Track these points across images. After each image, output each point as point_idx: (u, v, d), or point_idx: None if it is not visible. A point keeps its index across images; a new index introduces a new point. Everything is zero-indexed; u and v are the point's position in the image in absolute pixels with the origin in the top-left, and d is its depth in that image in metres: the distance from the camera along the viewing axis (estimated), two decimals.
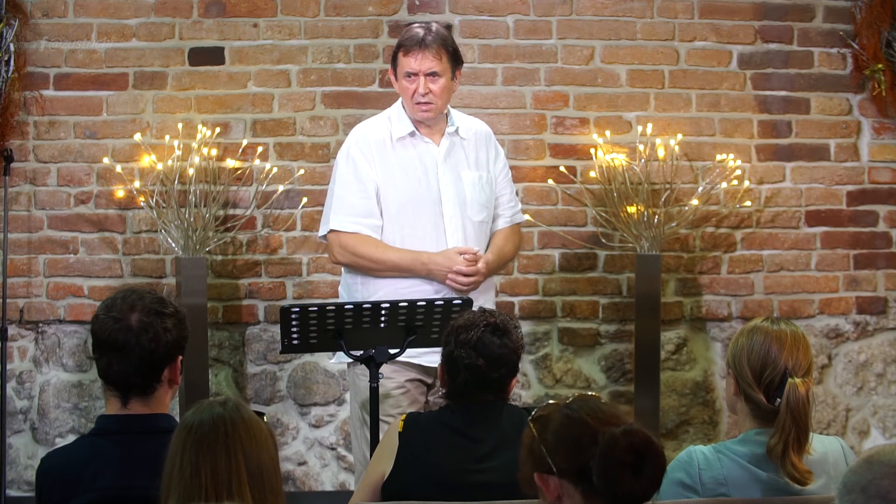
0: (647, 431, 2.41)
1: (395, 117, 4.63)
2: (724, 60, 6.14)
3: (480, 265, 4.50)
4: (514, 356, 3.57)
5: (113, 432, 3.02)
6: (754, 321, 3.25)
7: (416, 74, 4.52)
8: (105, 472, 2.95)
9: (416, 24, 4.67)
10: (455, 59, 4.59)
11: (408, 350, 4.30)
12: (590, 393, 2.64)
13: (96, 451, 2.99)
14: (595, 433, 2.39)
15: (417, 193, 4.56)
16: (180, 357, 3.06)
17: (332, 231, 4.59)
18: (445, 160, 4.62)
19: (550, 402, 2.54)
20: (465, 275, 4.46)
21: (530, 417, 2.51)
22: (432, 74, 4.52)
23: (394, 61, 4.60)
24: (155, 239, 5.92)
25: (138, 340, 2.98)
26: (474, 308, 3.84)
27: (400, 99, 4.67)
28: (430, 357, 4.39)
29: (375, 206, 4.55)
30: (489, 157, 4.73)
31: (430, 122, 4.60)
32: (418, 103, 4.53)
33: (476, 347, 3.52)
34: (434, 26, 4.62)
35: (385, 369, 4.34)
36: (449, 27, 6.02)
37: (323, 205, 5.87)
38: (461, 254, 4.48)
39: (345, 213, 4.56)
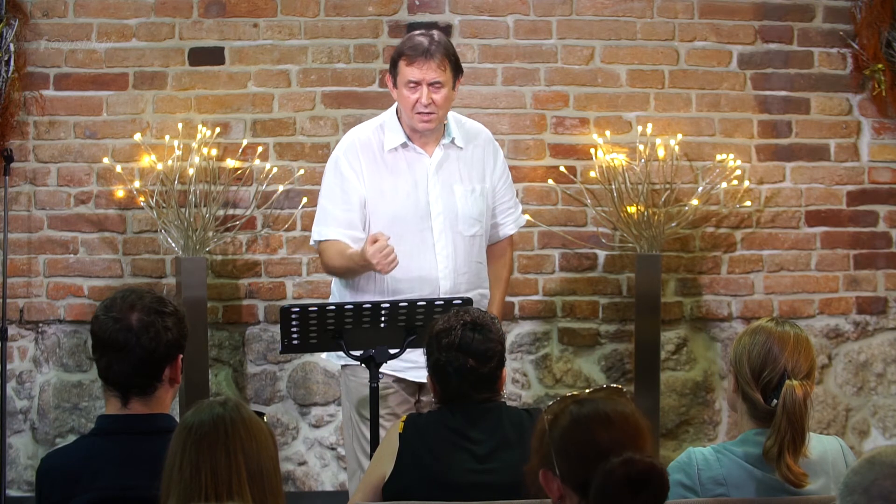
0: (649, 458, 2.34)
1: (387, 126, 4.54)
2: (724, 60, 6.14)
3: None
4: (499, 347, 3.57)
5: (113, 432, 3.02)
6: (760, 321, 3.25)
7: (418, 84, 4.41)
8: (105, 472, 2.94)
9: (418, 32, 4.56)
10: (456, 69, 4.50)
11: (393, 363, 4.28)
12: (612, 385, 2.58)
13: (96, 451, 2.98)
14: (598, 449, 2.36)
15: (405, 208, 4.49)
16: (180, 356, 3.06)
17: (317, 242, 4.57)
18: (437, 172, 4.53)
19: (567, 394, 2.50)
20: (383, 256, 4.25)
21: (545, 409, 2.48)
22: (435, 84, 4.42)
23: (393, 68, 4.49)
24: (155, 239, 5.92)
25: (139, 340, 2.98)
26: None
27: (394, 105, 4.57)
28: (415, 372, 4.38)
29: (358, 218, 4.48)
30: (487, 165, 4.64)
31: (428, 132, 4.52)
32: (419, 113, 4.43)
33: (460, 348, 3.52)
34: (437, 35, 4.52)
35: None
36: (449, 28, 6.02)
37: None
38: (373, 242, 4.25)
39: (326, 225, 4.52)
